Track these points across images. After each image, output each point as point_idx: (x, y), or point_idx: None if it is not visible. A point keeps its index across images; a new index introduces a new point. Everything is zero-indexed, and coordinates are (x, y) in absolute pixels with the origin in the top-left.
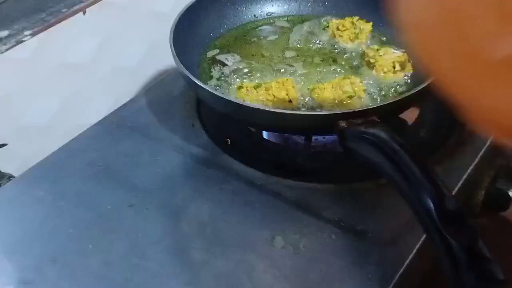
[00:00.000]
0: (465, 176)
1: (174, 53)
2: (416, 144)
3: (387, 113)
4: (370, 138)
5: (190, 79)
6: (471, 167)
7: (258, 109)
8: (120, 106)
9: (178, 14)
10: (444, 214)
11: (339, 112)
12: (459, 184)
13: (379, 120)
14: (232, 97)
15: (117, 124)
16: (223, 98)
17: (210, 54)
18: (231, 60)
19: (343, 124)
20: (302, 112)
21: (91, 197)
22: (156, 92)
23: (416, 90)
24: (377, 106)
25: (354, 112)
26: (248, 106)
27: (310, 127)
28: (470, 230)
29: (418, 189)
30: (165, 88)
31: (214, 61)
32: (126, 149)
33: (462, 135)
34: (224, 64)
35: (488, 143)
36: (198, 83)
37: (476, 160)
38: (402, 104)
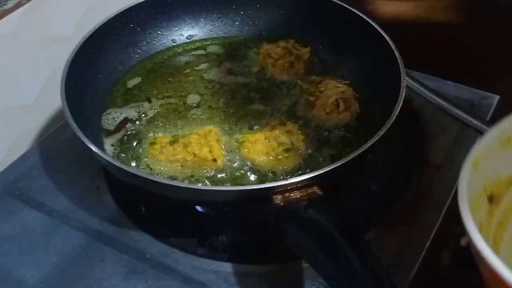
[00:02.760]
0: (429, 241)
1: (65, 103)
2: (367, 201)
3: (331, 180)
4: (309, 225)
5: (82, 141)
6: (435, 228)
7: (169, 185)
8: (8, 166)
9: (74, 49)
10: None
11: (272, 186)
12: (424, 251)
13: (321, 192)
14: (133, 169)
15: (1, 194)
16: (124, 169)
17: (116, 95)
18: (142, 103)
19: (278, 201)
20: (224, 187)
21: None
22: (54, 144)
23: (367, 147)
24: (318, 175)
25: (290, 184)
26: (156, 181)
27: (236, 203)
28: None
29: None
30: (64, 137)
31: (120, 105)
32: (12, 230)
33: (421, 184)
34: (133, 110)
35: (451, 196)
36: (94, 149)
37: (440, 217)
38: (348, 167)
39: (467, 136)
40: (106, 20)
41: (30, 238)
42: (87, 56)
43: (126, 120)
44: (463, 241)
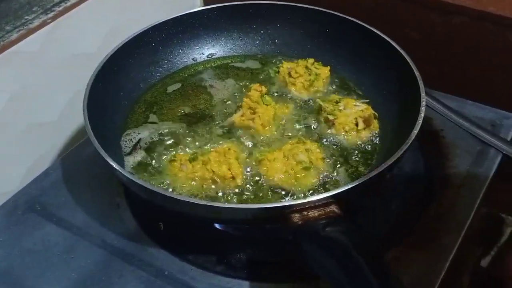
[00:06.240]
0: (448, 262)
1: (87, 121)
2: (386, 222)
3: (350, 198)
4: (327, 243)
5: (103, 158)
6: (455, 249)
7: (187, 202)
8: (30, 182)
9: (97, 67)
10: None
11: (290, 204)
12: (443, 273)
13: (339, 211)
14: (152, 186)
15: (24, 209)
16: (143, 186)
17: (138, 113)
18: (163, 121)
19: (296, 219)
20: (242, 205)
21: None
22: (75, 160)
23: (386, 166)
24: (336, 194)
25: (309, 203)
26: (174, 199)
27: (254, 220)
28: None
29: None
30: (85, 154)
31: (141, 124)
32: (33, 245)
33: (442, 205)
34: (154, 127)
35: (471, 217)
36: (114, 166)
37: (460, 238)
38: (367, 186)
39: (488, 157)
40: (128, 39)
41: (51, 254)
42: (109, 74)
43: (145, 140)
44: (483, 262)
